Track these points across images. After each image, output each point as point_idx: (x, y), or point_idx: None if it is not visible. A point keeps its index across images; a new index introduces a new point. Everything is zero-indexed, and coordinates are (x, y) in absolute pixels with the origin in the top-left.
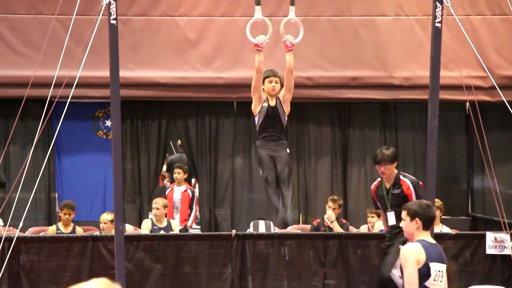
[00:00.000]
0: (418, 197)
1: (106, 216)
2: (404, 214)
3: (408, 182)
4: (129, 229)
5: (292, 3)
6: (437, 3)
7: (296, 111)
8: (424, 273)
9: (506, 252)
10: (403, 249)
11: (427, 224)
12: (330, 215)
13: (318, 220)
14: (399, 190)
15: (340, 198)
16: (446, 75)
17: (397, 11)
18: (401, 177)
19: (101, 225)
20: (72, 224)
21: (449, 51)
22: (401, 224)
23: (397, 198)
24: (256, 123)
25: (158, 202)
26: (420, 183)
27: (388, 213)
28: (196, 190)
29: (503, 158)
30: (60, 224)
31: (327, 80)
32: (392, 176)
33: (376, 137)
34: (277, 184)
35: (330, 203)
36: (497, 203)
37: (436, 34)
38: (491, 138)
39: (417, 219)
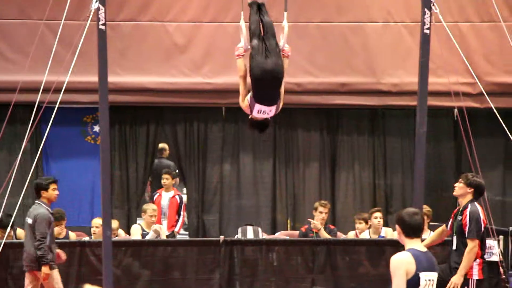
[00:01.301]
0: (469, 229)
1: (98, 221)
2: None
3: (468, 211)
4: (121, 234)
5: (285, 9)
6: (425, 9)
7: (284, 117)
8: (413, 284)
9: (494, 258)
10: (393, 258)
11: (409, 232)
12: (316, 224)
13: (306, 226)
14: (461, 217)
15: (328, 202)
16: (435, 81)
17: (386, 18)
18: (469, 205)
19: (93, 229)
20: (64, 230)
21: (438, 57)
22: (393, 234)
23: (458, 226)
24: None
25: (149, 207)
26: (482, 218)
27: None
28: (184, 195)
29: (491, 164)
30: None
31: (315, 86)
32: (462, 200)
33: (364, 143)
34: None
35: (320, 208)
36: (485, 209)
37: (425, 40)
38: (479, 144)
39: (397, 226)
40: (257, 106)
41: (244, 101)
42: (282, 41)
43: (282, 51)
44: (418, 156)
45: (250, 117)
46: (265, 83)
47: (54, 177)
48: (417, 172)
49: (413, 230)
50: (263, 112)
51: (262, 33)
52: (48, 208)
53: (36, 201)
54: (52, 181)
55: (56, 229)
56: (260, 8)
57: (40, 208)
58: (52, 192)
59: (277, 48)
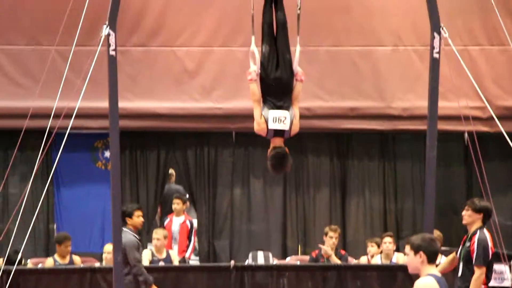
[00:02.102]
0: (477, 256)
1: (109, 247)
2: (407, 248)
3: (476, 238)
4: None
5: (298, 33)
6: (435, 33)
7: (294, 142)
8: None
9: (506, 284)
10: (420, 283)
11: (432, 258)
12: (326, 250)
13: (317, 251)
14: (469, 243)
15: (338, 227)
16: (445, 105)
17: (395, 42)
18: (478, 232)
19: (104, 255)
20: (68, 255)
21: (447, 81)
22: (405, 259)
23: (465, 252)
24: None
25: (158, 233)
26: (490, 245)
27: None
28: (195, 220)
29: (501, 188)
30: (56, 256)
31: (325, 111)
32: (471, 227)
33: (375, 168)
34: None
35: (330, 233)
36: (496, 234)
37: (434, 64)
38: (490, 169)
39: (421, 253)
40: (271, 113)
41: (261, 118)
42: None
43: (295, 75)
44: (428, 180)
45: (268, 152)
46: (275, 87)
47: (139, 204)
48: (427, 197)
49: (434, 256)
50: (279, 119)
51: (275, 34)
52: (134, 234)
53: (123, 228)
54: (137, 208)
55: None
56: (276, 1)
57: (126, 235)
58: (137, 219)
59: (290, 68)
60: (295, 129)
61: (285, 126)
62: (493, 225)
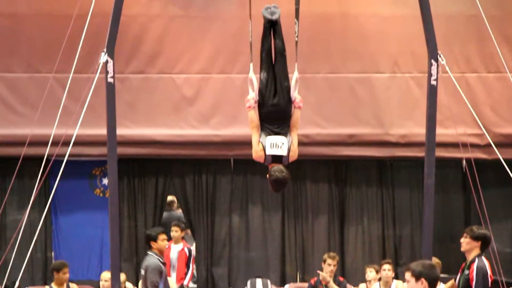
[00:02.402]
0: (476, 284)
1: (107, 274)
2: (408, 275)
3: (475, 266)
4: (129, 287)
5: (296, 60)
6: (432, 61)
7: (293, 169)
8: None
9: None
10: None
11: (433, 285)
12: (324, 276)
13: (315, 279)
14: (468, 271)
15: (337, 254)
16: (442, 132)
17: (393, 69)
18: (476, 260)
19: (101, 283)
20: (65, 283)
21: (445, 108)
22: (404, 286)
23: (464, 280)
24: None
25: None
26: (489, 273)
27: None
28: (193, 247)
29: (500, 216)
30: (53, 285)
31: (323, 138)
32: (469, 254)
33: (373, 195)
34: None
35: (329, 260)
36: (495, 261)
37: (432, 91)
38: (488, 196)
39: (422, 279)
40: (268, 139)
41: (259, 145)
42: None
43: (293, 102)
44: (426, 207)
45: (268, 174)
46: (273, 113)
47: (163, 228)
48: (425, 223)
49: (435, 282)
50: (276, 145)
51: (273, 61)
52: (159, 258)
53: (148, 252)
54: (161, 232)
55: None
56: (275, 29)
57: (151, 259)
58: (162, 242)
59: (288, 95)
60: (293, 155)
61: (282, 152)
62: (492, 252)
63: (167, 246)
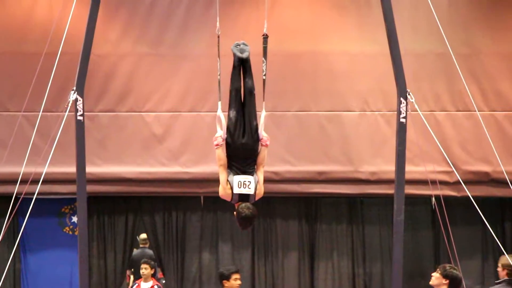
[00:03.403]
0: None
1: None
2: None
3: None
4: None
5: (264, 98)
6: (401, 99)
7: (263, 206)
8: None
9: None
10: None
11: None
12: None
13: None
14: None
15: None
16: (412, 170)
17: (363, 107)
18: None
19: None
20: None
21: (414, 146)
22: None
23: None
24: None
25: None
26: None
27: None
28: (164, 285)
29: (469, 252)
30: None
31: (293, 175)
32: None
33: (343, 232)
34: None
35: None
36: None
37: (401, 129)
38: (457, 233)
39: None
40: (236, 179)
41: (227, 184)
42: (260, 128)
43: (260, 139)
44: (396, 244)
45: (235, 212)
46: (240, 152)
47: (237, 267)
48: (395, 260)
49: None
50: (243, 184)
51: (242, 99)
52: None
53: None
54: (235, 271)
55: None
56: (245, 67)
57: None
58: (234, 282)
59: (256, 134)
60: (260, 193)
61: (250, 191)
62: None
63: (239, 285)
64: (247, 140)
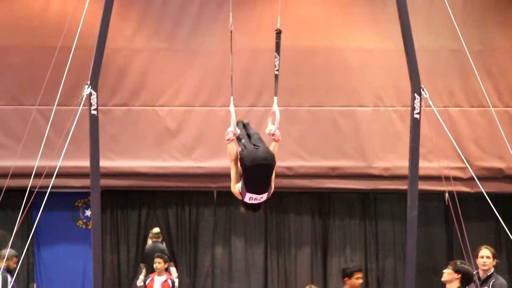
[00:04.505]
0: None
1: None
2: None
3: None
4: None
5: (276, 94)
6: (415, 94)
7: (276, 201)
8: None
9: None
10: None
11: None
12: None
13: None
14: None
15: (319, 287)
16: (425, 165)
17: (376, 102)
18: None
19: None
20: None
21: (428, 142)
22: None
23: None
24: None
25: None
26: None
27: None
28: (176, 279)
29: None
30: None
31: (306, 170)
32: (449, 286)
33: (356, 227)
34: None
35: None
36: None
37: (415, 125)
38: (470, 229)
39: None
40: (248, 195)
41: (235, 188)
42: (273, 126)
43: (272, 135)
44: (409, 240)
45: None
46: (257, 172)
47: (360, 266)
48: (408, 257)
49: None
50: (255, 199)
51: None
52: None
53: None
54: (357, 270)
55: None
56: (245, 126)
57: None
58: (356, 280)
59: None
60: (270, 194)
61: (260, 201)
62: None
63: (360, 284)
64: (262, 149)
